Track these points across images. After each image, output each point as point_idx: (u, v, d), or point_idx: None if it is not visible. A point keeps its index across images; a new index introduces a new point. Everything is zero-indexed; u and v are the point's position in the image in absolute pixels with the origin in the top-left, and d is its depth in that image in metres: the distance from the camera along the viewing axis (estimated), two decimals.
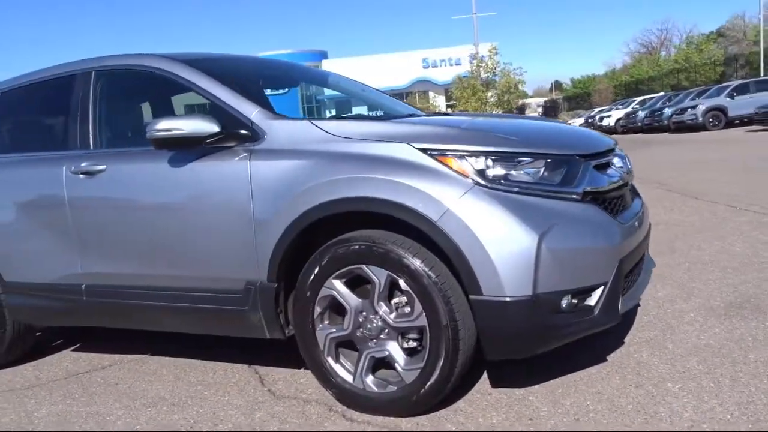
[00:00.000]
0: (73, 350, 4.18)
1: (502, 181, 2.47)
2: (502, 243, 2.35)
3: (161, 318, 3.20)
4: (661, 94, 34.83)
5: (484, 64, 33.71)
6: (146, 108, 3.93)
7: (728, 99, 22.70)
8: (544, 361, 2.89)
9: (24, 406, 3.29)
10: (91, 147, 3.38)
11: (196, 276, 3.01)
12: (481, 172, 2.47)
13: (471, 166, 2.48)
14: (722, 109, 22.78)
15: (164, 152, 3.00)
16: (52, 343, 4.37)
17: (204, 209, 2.90)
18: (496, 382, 2.90)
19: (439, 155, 2.52)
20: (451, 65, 56.21)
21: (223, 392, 3.16)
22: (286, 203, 2.70)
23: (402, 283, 2.50)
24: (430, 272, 2.44)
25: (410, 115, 3.78)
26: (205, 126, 2.84)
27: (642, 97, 35.13)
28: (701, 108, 23.02)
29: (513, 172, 2.49)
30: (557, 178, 2.53)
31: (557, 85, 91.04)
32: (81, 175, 3.28)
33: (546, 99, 74.78)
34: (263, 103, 3.00)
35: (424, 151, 2.53)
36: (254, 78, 3.77)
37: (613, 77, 66.40)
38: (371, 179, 2.52)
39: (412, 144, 2.56)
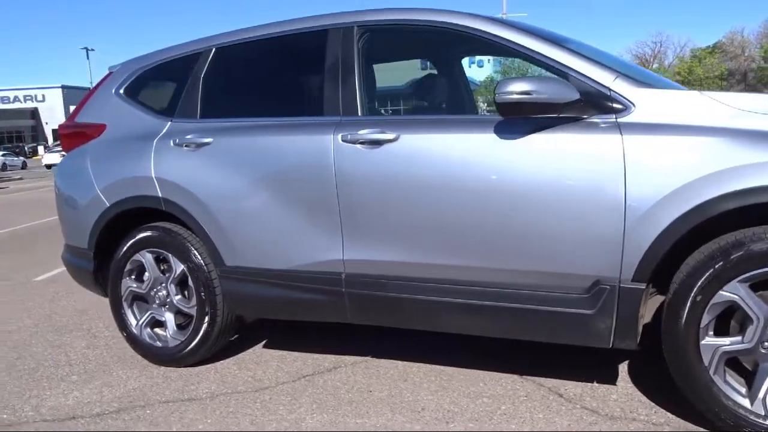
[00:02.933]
0: (264, 347, 3.66)
1: None
2: None
3: (452, 317, 2.71)
4: None
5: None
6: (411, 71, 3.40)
7: None
8: None
9: (275, 412, 2.80)
10: (359, 113, 2.87)
11: (521, 270, 2.53)
12: None
13: None
14: None
15: (488, 122, 2.55)
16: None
17: (551, 191, 2.42)
18: None
19: None
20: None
21: (526, 408, 2.70)
22: (676, 189, 2.23)
23: None
24: None
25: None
26: (566, 91, 2.36)
27: None
28: None
29: None
30: None
31: None
32: (358, 145, 2.76)
33: None
34: (617, 70, 2.52)
35: None
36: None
37: None
38: None
39: None
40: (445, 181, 2.59)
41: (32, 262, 6.94)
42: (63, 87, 67.53)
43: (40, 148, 58.94)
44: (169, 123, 3.33)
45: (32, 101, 68.04)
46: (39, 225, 10.43)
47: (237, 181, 3.04)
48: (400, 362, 3.27)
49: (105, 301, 4.87)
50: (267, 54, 3.29)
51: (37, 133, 68.54)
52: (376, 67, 3.41)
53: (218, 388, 3.09)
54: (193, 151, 3.17)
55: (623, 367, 3.04)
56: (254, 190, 3.00)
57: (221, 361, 3.44)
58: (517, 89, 2.35)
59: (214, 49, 3.35)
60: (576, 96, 2.38)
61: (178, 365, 3.37)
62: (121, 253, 3.43)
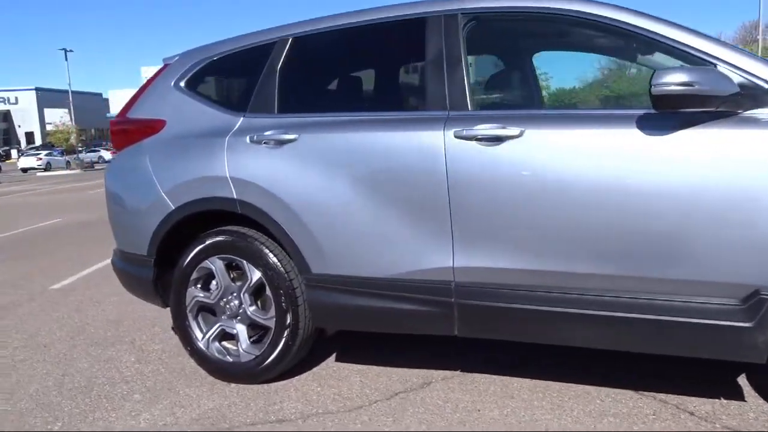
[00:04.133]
0: (337, 361, 3.41)
1: None
2: None
3: (577, 329, 2.48)
4: None
5: None
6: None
7: None
8: None
9: None
10: (469, 107, 2.62)
11: (666, 278, 2.31)
12: None
13: None
14: None
15: (627, 116, 2.36)
16: None
17: (707, 192, 2.21)
18: None
19: None
20: None
21: (661, 428, 2.46)
22: None
23: None
24: None
25: None
26: (727, 84, 2.15)
27: None
28: None
29: None
30: None
31: None
32: (475, 142, 2.52)
33: None
34: None
35: None
36: None
37: None
38: None
39: None
40: (580, 182, 2.36)
41: (40, 270, 6.57)
42: (37, 89, 66.20)
43: (14, 152, 57.66)
44: (242, 118, 3.05)
45: (4, 103, 66.56)
46: (31, 231, 10.00)
47: (328, 181, 2.77)
48: (494, 376, 3.04)
49: (139, 311, 4.61)
50: (354, 44, 3.03)
51: (9, 136, 67.01)
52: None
53: (306, 408, 2.82)
54: (274, 148, 2.90)
55: (741, 381, 2.83)
56: (348, 191, 2.73)
57: (296, 377, 3.17)
58: (676, 80, 2.13)
59: (291, 39, 3.08)
60: (735, 89, 2.17)
61: (251, 382, 3.09)
62: (187, 260, 3.14)
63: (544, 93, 3.24)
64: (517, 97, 2.93)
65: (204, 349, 3.18)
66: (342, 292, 2.82)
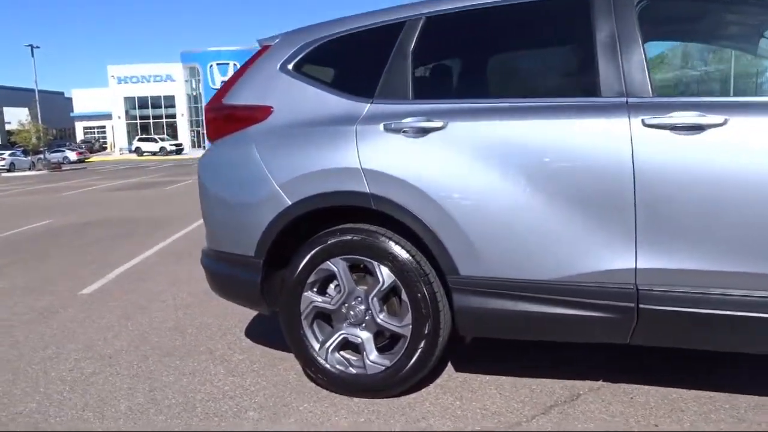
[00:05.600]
0: (459, 371, 3.14)
1: None
2: None
3: None
4: None
5: None
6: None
7: None
8: None
9: None
10: (650, 93, 2.39)
11: None
12: None
13: None
14: None
15: None
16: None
17: None
18: None
19: None
20: None
21: None
22: None
23: None
24: None
25: None
26: None
27: None
28: None
29: None
30: None
31: None
32: (669, 131, 2.28)
33: None
34: None
35: None
36: None
37: None
38: None
39: None
40: None
41: (58, 273, 6.14)
42: None
43: None
44: (369, 105, 2.76)
45: None
46: (24, 233, 9.47)
47: (483, 174, 2.50)
48: (649, 387, 2.80)
49: (197, 317, 4.29)
50: (504, 24, 2.76)
51: None
52: None
53: (458, 425, 2.56)
54: (416, 137, 2.61)
55: None
56: (508, 185, 2.46)
57: (423, 390, 2.88)
58: None
59: (424, 19, 2.79)
60: None
61: (377, 396, 2.80)
62: (304, 261, 2.83)
63: (741, 78, 2.99)
64: (708, 83, 2.68)
65: (322, 360, 2.87)
66: (497, 296, 2.54)
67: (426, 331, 2.66)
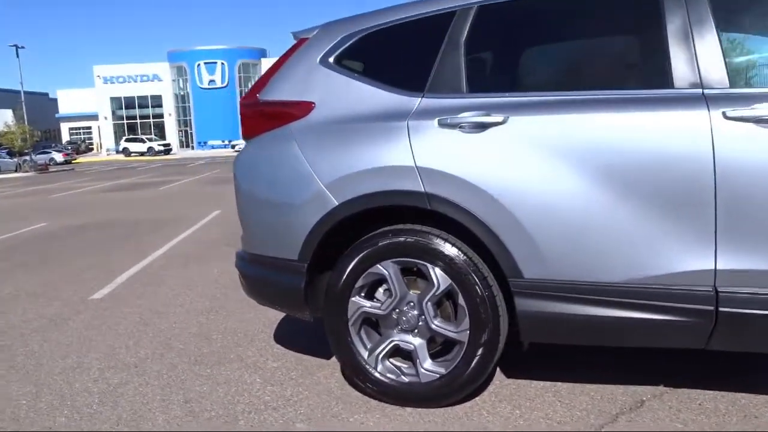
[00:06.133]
0: (509, 377, 2.99)
1: None
2: None
3: None
4: None
5: None
6: None
7: None
8: None
9: None
10: (727, 84, 2.26)
11: None
12: None
13: None
14: None
15: None
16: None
17: None
18: None
19: None
20: None
21: None
22: None
23: None
24: None
25: None
26: None
27: None
28: None
29: None
30: None
31: None
32: (752, 124, 2.16)
33: None
34: None
35: None
36: None
37: None
38: None
39: None
40: None
41: (61, 278, 5.96)
42: None
43: None
44: (420, 99, 2.61)
45: None
46: (21, 236, 9.25)
47: (548, 171, 2.36)
48: (714, 392, 2.69)
49: (221, 323, 4.14)
50: (564, 11, 2.62)
51: None
52: None
53: None
54: (474, 133, 2.47)
55: None
56: (576, 183, 2.33)
57: (475, 398, 2.75)
58: None
59: (476, 8, 2.65)
60: None
61: (430, 405, 2.66)
62: (352, 264, 2.68)
63: None
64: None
65: (371, 368, 2.72)
66: (564, 300, 2.41)
67: (485, 337, 2.53)
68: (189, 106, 56.87)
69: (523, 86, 2.59)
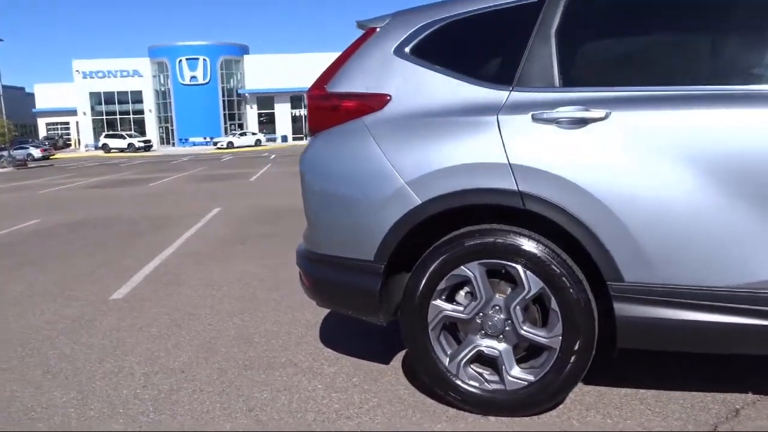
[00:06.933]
0: (586, 383, 2.86)
1: None
2: None
3: None
4: None
5: None
6: None
7: None
8: None
9: None
10: None
11: None
12: None
13: None
14: None
15: None
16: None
17: None
18: None
19: None
20: None
21: None
22: None
23: None
24: None
25: None
26: None
27: None
28: None
29: None
30: None
31: None
32: None
33: None
34: None
35: None
36: None
37: None
38: None
39: None
40: None
41: (73, 277, 5.74)
42: None
43: None
44: (509, 92, 2.49)
45: None
46: (16, 233, 8.97)
47: (655, 170, 2.26)
48: None
49: (259, 325, 4.00)
50: (666, 2, 2.50)
51: None
52: None
53: None
54: (573, 129, 2.35)
55: None
56: (686, 182, 2.23)
57: (559, 407, 2.62)
58: None
59: None
60: None
61: (517, 414, 2.54)
62: (434, 265, 2.55)
63: None
64: None
65: (452, 375, 2.59)
66: (669, 305, 2.29)
67: (579, 344, 2.41)
68: (170, 103, 56.13)
69: (625, 80, 2.46)
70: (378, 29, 2.83)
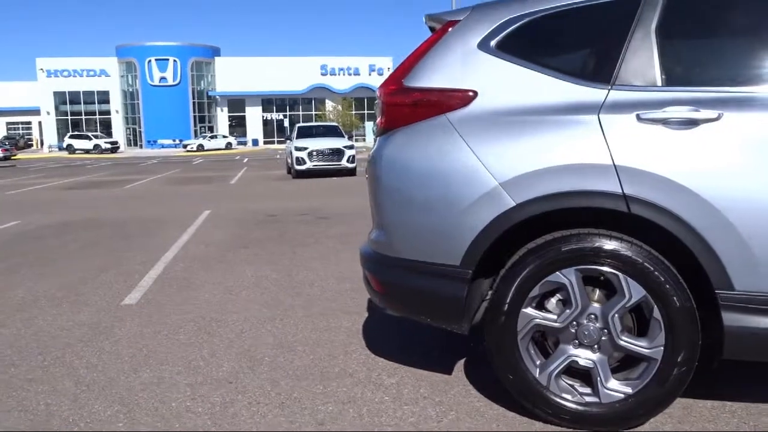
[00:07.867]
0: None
1: None
2: None
3: None
4: None
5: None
6: None
7: None
8: None
9: None
10: None
11: None
12: None
13: None
14: None
15: None
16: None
17: None
18: None
19: None
20: (349, 74, 55.75)
21: None
22: None
23: None
24: None
25: None
26: None
27: None
28: None
29: None
30: None
31: None
32: None
33: None
34: None
35: None
36: None
37: None
38: None
39: None
40: None
41: (78, 280, 5.48)
42: None
43: None
44: (608, 91, 2.37)
45: None
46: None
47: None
48: None
49: (299, 332, 3.79)
50: None
51: None
52: None
53: None
54: (682, 130, 2.24)
55: None
56: None
57: (651, 421, 2.50)
58: None
59: None
60: None
61: (611, 427, 2.40)
62: (526, 271, 2.41)
63: None
64: None
65: (542, 387, 2.45)
66: None
67: (683, 355, 2.30)
68: (138, 104, 55.04)
69: (736, 79, 2.36)
70: (457, 23, 2.68)
